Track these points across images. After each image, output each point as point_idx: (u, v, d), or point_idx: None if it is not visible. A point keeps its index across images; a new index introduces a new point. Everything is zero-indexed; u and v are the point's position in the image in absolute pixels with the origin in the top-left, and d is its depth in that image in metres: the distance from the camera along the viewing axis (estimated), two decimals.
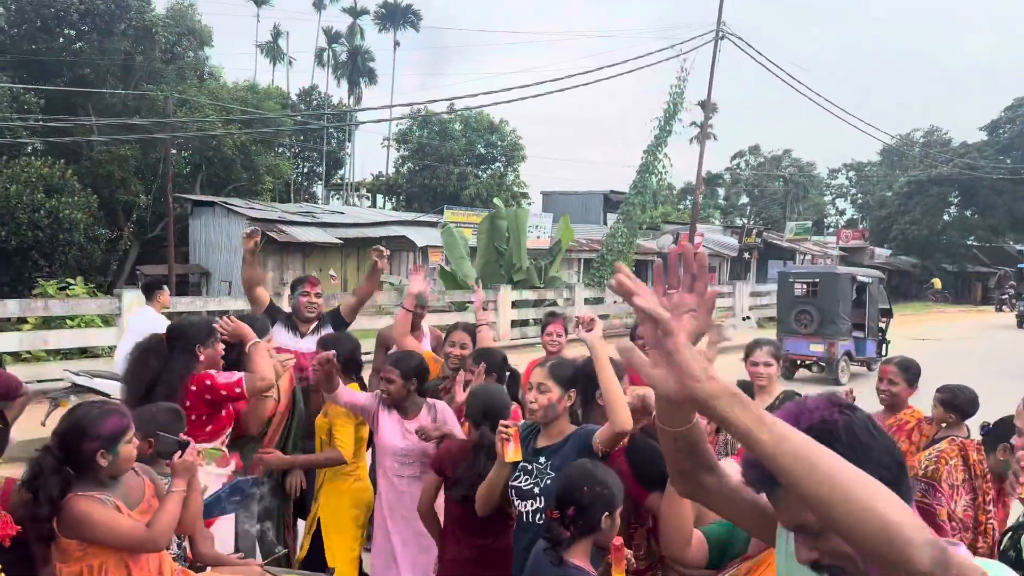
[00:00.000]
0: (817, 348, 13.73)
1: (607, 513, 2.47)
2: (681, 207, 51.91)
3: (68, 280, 15.18)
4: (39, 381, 10.76)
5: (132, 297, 11.57)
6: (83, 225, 18.77)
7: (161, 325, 6.03)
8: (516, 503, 2.93)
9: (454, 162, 35.96)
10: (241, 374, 3.53)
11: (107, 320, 11.80)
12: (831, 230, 55.24)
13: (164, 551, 2.71)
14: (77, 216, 18.46)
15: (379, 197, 40.97)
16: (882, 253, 43.44)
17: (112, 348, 11.51)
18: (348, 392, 3.82)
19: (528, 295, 18.41)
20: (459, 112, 35.84)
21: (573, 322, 3.12)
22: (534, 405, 2.90)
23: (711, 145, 55.92)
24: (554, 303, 18.79)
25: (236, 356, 3.70)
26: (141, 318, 7.91)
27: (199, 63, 27.10)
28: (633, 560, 2.75)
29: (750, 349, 4.04)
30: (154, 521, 2.59)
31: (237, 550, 3.43)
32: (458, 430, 3.66)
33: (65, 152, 21.21)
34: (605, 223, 32.47)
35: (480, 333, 4.34)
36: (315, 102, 38.09)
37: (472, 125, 36.88)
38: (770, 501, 1.28)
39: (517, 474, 2.96)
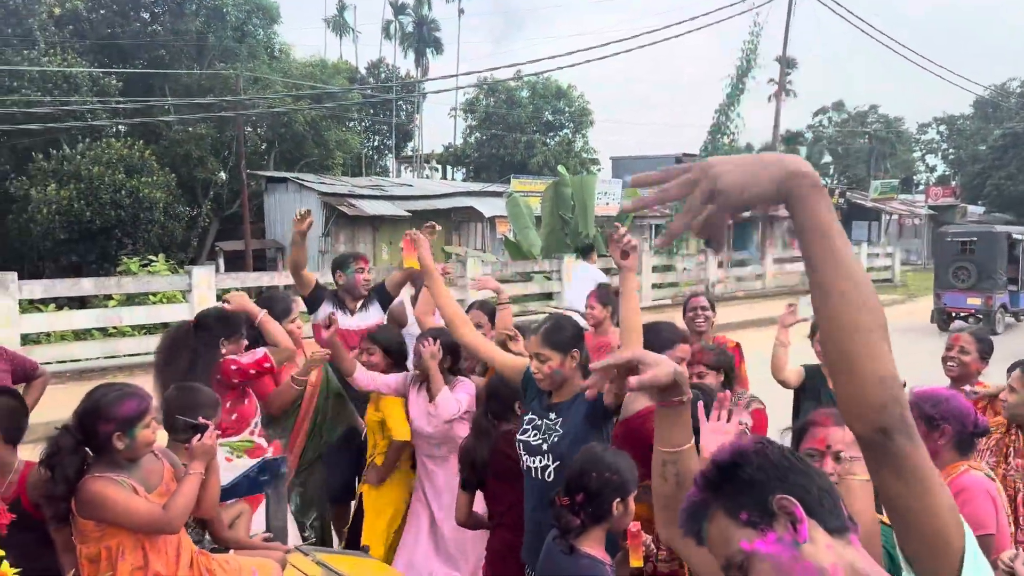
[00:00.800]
0: (975, 301, 14.78)
1: (619, 499, 2.36)
2: None
3: (150, 257, 15.73)
4: (126, 356, 11.23)
5: (202, 273, 11.89)
6: (163, 204, 19.33)
7: (600, 276, 8.43)
8: (524, 458, 2.88)
9: (521, 130, 35.63)
10: (263, 349, 3.53)
11: (184, 295, 12.17)
12: (920, 188, 52.62)
13: (184, 533, 2.73)
14: (157, 195, 19.02)
15: (449, 168, 41.05)
16: (975, 211, 41.11)
17: None
18: (367, 375, 3.80)
19: None
20: (526, 78, 35.38)
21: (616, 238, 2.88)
22: (538, 375, 2.84)
23: (792, 102, 53.89)
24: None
25: (257, 335, 3.70)
26: (582, 272, 9.77)
27: (269, 40, 27.50)
28: (653, 547, 2.63)
29: (815, 327, 3.79)
30: (170, 503, 2.59)
31: (268, 530, 3.44)
32: (468, 403, 3.65)
33: (144, 133, 21.87)
34: None
35: (502, 312, 4.24)
36: (383, 75, 38.27)
37: (539, 91, 36.39)
38: (700, 543, 1.25)
39: (525, 428, 2.91)
